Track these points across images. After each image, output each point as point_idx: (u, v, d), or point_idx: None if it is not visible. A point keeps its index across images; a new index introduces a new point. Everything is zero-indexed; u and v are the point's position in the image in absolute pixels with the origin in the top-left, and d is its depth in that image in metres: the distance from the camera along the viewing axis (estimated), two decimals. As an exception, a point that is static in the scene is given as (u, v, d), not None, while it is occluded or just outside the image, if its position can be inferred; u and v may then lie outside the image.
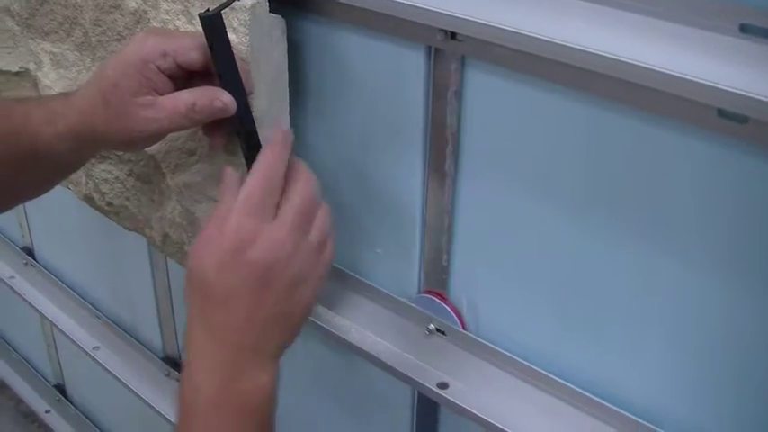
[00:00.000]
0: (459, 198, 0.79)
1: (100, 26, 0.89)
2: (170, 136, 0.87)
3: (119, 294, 1.50)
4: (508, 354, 0.80)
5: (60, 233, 1.59)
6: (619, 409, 0.73)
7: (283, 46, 0.78)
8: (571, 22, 0.61)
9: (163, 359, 1.45)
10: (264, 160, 0.70)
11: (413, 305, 0.87)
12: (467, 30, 0.65)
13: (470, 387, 0.82)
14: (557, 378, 0.77)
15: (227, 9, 0.71)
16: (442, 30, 0.69)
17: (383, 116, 0.81)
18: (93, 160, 1.00)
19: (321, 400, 1.08)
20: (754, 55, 0.54)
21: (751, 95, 0.52)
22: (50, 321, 1.63)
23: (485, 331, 0.83)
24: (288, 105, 0.81)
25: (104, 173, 1.00)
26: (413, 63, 0.75)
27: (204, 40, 0.70)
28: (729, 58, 0.54)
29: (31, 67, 1.04)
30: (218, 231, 0.68)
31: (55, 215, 1.55)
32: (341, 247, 0.77)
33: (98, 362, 1.51)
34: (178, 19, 0.80)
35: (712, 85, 0.53)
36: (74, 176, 1.06)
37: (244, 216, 0.67)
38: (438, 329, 0.84)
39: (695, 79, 0.54)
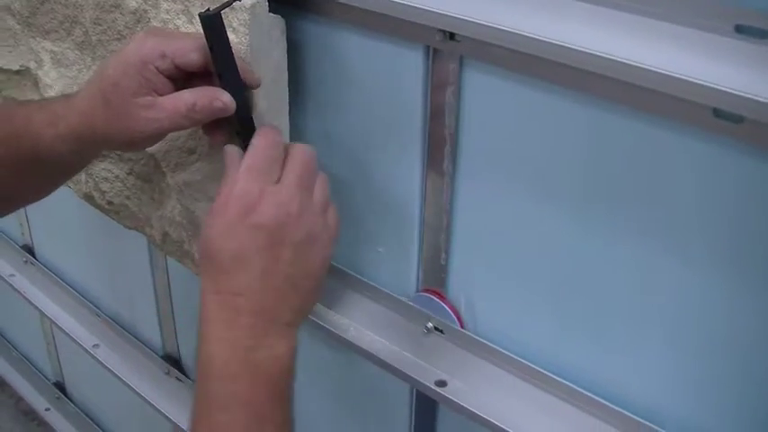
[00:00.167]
0: (457, 197, 0.79)
1: (100, 25, 0.90)
2: (170, 135, 0.87)
3: (118, 292, 1.50)
4: (506, 352, 0.80)
5: (60, 231, 1.59)
6: (619, 409, 0.73)
7: (283, 46, 0.79)
8: (569, 22, 0.61)
9: (162, 357, 1.45)
10: (263, 133, 0.73)
11: (411, 304, 0.87)
12: (465, 30, 0.65)
13: (469, 385, 0.82)
14: (556, 377, 0.77)
15: (226, 9, 0.71)
16: (440, 30, 0.69)
17: (382, 116, 0.81)
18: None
19: (320, 398, 1.09)
20: (750, 55, 0.54)
21: (746, 95, 0.52)
22: (50, 319, 1.64)
23: (483, 330, 0.84)
24: (287, 105, 0.81)
25: (104, 171, 1.00)
26: (411, 63, 0.75)
27: (203, 41, 0.71)
28: (725, 58, 0.55)
29: (32, 65, 1.04)
30: (224, 201, 0.69)
31: (55, 213, 1.55)
32: (340, 245, 0.78)
33: (98, 360, 1.51)
34: (178, 18, 0.80)
35: (708, 85, 0.53)
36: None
37: (248, 182, 0.69)
38: (436, 328, 0.85)
39: (691, 79, 0.54)
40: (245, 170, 0.70)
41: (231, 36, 0.75)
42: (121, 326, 1.50)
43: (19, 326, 2.06)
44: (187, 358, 1.43)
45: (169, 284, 1.35)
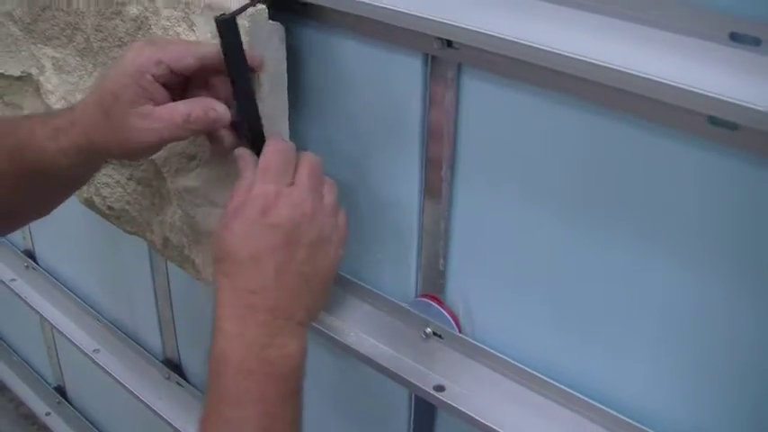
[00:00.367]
0: (455, 203, 0.80)
1: (101, 32, 0.90)
2: (170, 141, 0.88)
3: (119, 297, 1.51)
4: (504, 357, 0.81)
5: (61, 236, 1.59)
6: (615, 413, 0.73)
7: (282, 52, 0.79)
8: (565, 30, 0.61)
9: (163, 362, 1.45)
10: (275, 139, 0.75)
11: (410, 309, 0.87)
12: (463, 38, 0.66)
13: (467, 390, 0.82)
14: (553, 381, 0.77)
15: (226, 14, 0.72)
16: (438, 38, 0.69)
17: (381, 122, 0.82)
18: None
19: (319, 402, 1.09)
20: (745, 63, 0.55)
21: (741, 103, 0.52)
22: (51, 324, 1.64)
23: (481, 335, 0.84)
24: (287, 111, 0.82)
25: (105, 177, 1.01)
26: (410, 70, 0.76)
27: (199, 47, 0.72)
28: (720, 66, 0.55)
29: (34, 71, 1.05)
30: (242, 202, 0.71)
31: (56, 219, 1.53)
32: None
33: (98, 364, 1.51)
34: (179, 26, 0.81)
35: (703, 93, 0.54)
36: (75, 180, 1.06)
37: (264, 184, 0.71)
38: (435, 333, 0.85)
39: (686, 87, 0.54)
40: (262, 172, 0.72)
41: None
42: (122, 331, 1.50)
43: (20, 330, 2.06)
44: (187, 363, 1.43)
45: (169, 289, 1.35)
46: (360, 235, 0.89)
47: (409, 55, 0.75)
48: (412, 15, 0.68)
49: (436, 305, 0.86)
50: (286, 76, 0.80)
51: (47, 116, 0.80)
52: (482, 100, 0.73)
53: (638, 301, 0.70)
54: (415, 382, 0.85)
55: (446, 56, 0.72)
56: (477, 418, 0.79)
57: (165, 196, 0.93)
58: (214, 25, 0.74)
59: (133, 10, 0.84)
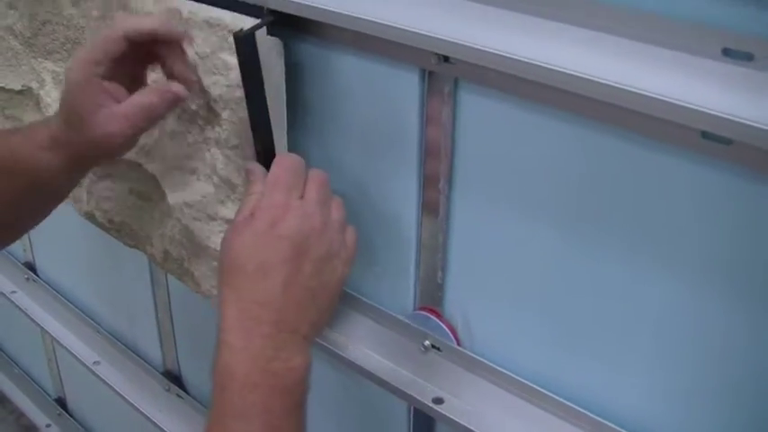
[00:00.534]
0: (453, 217, 0.80)
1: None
2: (170, 155, 0.88)
3: (119, 309, 1.51)
4: (502, 370, 0.81)
5: (62, 249, 1.59)
6: (613, 425, 0.73)
7: (281, 67, 0.80)
8: (560, 46, 0.62)
9: (163, 374, 1.45)
10: (285, 153, 0.77)
11: (408, 322, 0.87)
12: (459, 53, 0.66)
13: (465, 402, 0.82)
14: (551, 394, 0.77)
15: (244, 30, 0.73)
16: (435, 53, 0.70)
17: (379, 136, 0.82)
18: (94, 177, 1.02)
19: (318, 415, 1.09)
20: (737, 78, 0.55)
21: (734, 119, 0.52)
22: (51, 336, 1.64)
23: (479, 347, 0.84)
24: (285, 125, 0.82)
25: (106, 190, 1.01)
26: (407, 84, 0.76)
27: (118, 30, 0.74)
28: (713, 81, 0.55)
29: (34, 85, 1.05)
30: (251, 214, 0.72)
31: (57, 231, 1.55)
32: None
33: (98, 376, 1.51)
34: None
35: (696, 108, 0.54)
36: (75, 193, 1.07)
37: (274, 196, 0.72)
38: (433, 346, 0.85)
39: (679, 103, 0.54)
40: (271, 185, 0.73)
41: (230, 58, 0.76)
42: (122, 343, 1.51)
43: (20, 342, 2.07)
44: (187, 375, 1.43)
45: (170, 302, 1.35)
46: (358, 248, 0.89)
47: (406, 70, 0.75)
48: (409, 31, 0.68)
49: (435, 318, 0.86)
50: (285, 90, 0.81)
51: (27, 131, 0.82)
52: (479, 114, 0.73)
53: (634, 315, 0.70)
54: (414, 395, 0.85)
55: (443, 71, 0.72)
56: (475, 430, 0.79)
57: (164, 210, 0.93)
58: (213, 40, 0.75)
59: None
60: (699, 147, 0.58)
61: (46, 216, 0.90)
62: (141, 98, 0.75)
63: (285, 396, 0.68)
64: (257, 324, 0.68)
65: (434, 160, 0.78)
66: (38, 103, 1.06)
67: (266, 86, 0.78)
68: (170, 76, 0.78)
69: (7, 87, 1.09)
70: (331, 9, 0.73)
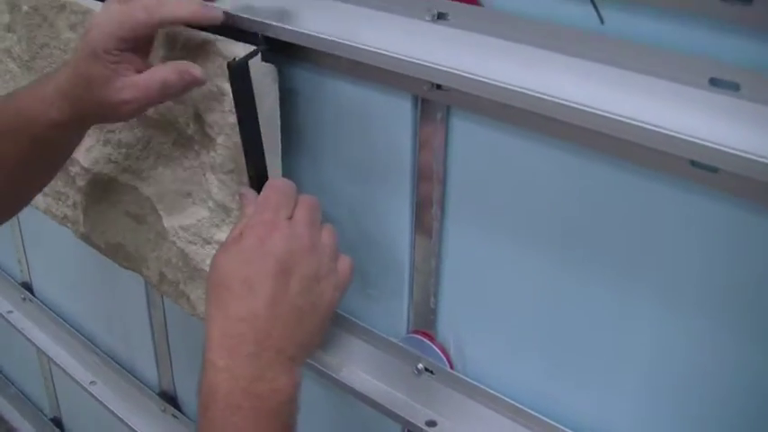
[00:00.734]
0: (445, 241, 0.81)
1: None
2: (166, 179, 0.89)
3: (115, 330, 1.51)
4: (495, 393, 0.81)
5: (59, 269, 1.60)
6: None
7: (275, 93, 0.80)
8: (551, 74, 0.62)
9: (159, 394, 1.45)
10: (276, 178, 0.78)
11: (402, 345, 0.87)
12: (451, 81, 0.67)
13: (458, 425, 0.83)
14: (543, 417, 0.77)
15: (237, 58, 0.74)
16: (427, 81, 0.70)
17: (372, 162, 0.82)
18: (90, 200, 1.02)
19: (313, 436, 1.10)
20: (724, 107, 0.55)
21: (720, 148, 0.53)
22: (47, 356, 1.64)
23: (472, 371, 0.84)
24: (279, 150, 0.83)
25: (102, 213, 1.02)
26: (400, 111, 0.77)
27: (159, 14, 0.74)
28: (700, 110, 0.56)
29: (31, 108, 1.06)
30: (239, 233, 0.72)
31: (53, 251, 1.56)
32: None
33: (94, 396, 1.51)
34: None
35: (684, 138, 0.54)
36: (72, 215, 1.07)
37: (262, 215, 0.72)
38: (426, 369, 0.85)
39: (667, 132, 0.55)
40: (261, 205, 0.73)
41: (225, 84, 0.77)
42: (118, 363, 1.50)
43: (17, 362, 2.06)
44: (183, 396, 1.44)
45: (166, 322, 1.36)
46: (353, 272, 0.90)
47: (399, 97, 0.76)
48: (401, 59, 0.69)
49: (428, 342, 0.86)
50: (279, 116, 0.82)
51: (33, 88, 0.81)
52: (471, 141, 0.74)
53: (624, 341, 0.70)
54: (408, 418, 0.85)
55: (435, 98, 0.73)
56: (468, 453, 0.80)
57: (160, 233, 0.94)
58: (209, 66, 0.76)
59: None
60: (688, 174, 0.58)
61: (50, 180, 0.91)
62: (161, 73, 0.75)
63: (271, 418, 0.67)
64: (240, 342, 0.67)
65: (427, 185, 0.79)
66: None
67: (260, 112, 0.78)
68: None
69: (5, 110, 1.09)
70: (325, 37, 0.74)
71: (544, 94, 0.61)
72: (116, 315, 1.48)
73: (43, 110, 0.78)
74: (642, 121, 0.56)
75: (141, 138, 0.92)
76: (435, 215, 0.79)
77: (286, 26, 0.77)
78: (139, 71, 0.76)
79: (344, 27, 0.74)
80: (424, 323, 0.87)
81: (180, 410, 1.42)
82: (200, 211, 0.88)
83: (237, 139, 0.79)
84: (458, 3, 0.68)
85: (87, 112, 0.78)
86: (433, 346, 0.86)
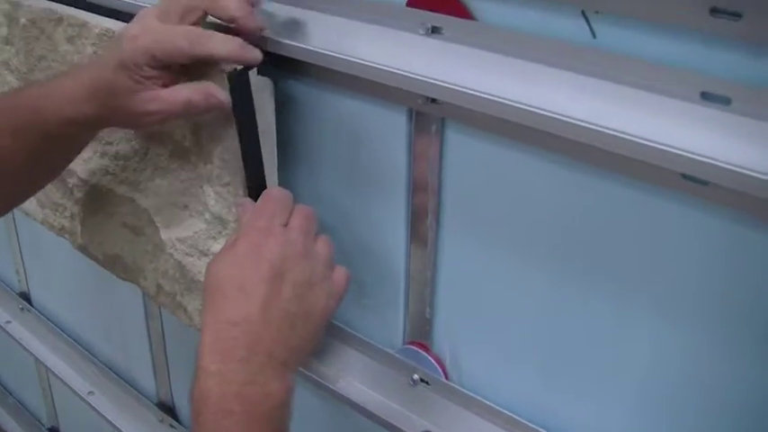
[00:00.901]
0: (441, 252, 0.81)
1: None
2: (163, 191, 0.89)
3: (113, 340, 1.51)
4: (490, 403, 0.81)
5: (56, 279, 1.60)
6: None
7: (271, 107, 0.81)
8: (543, 88, 0.63)
9: (156, 405, 1.45)
10: (272, 187, 0.78)
11: (397, 356, 0.88)
12: (445, 95, 0.67)
13: (454, 435, 0.83)
14: (539, 428, 0.78)
15: (237, 69, 0.75)
16: (422, 95, 0.71)
17: (368, 174, 0.83)
18: (88, 211, 1.02)
19: (310, 447, 1.10)
20: (715, 121, 0.55)
21: (712, 162, 0.53)
22: (45, 366, 1.64)
23: (467, 381, 0.85)
24: (276, 162, 0.83)
25: (99, 224, 1.02)
26: (395, 124, 0.77)
27: (194, 47, 0.73)
28: (692, 124, 0.56)
29: (29, 120, 1.06)
30: (234, 240, 0.73)
31: (52, 262, 1.56)
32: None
33: (92, 407, 1.52)
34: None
35: (675, 152, 0.55)
36: (70, 227, 1.08)
37: (257, 221, 0.73)
38: (422, 379, 0.85)
39: (659, 146, 0.55)
40: (257, 212, 0.74)
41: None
42: (116, 373, 1.51)
43: (15, 372, 2.06)
44: (181, 406, 1.44)
45: (163, 333, 1.36)
46: (349, 283, 0.90)
47: (394, 110, 0.77)
48: (396, 73, 0.69)
49: (423, 352, 0.87)
50: (275, 128, 0.82)
51: (47, 89, 0.80)
52: (465, 153, 0.74)
53: (619, 351, 0.71)
54: (403, 428, 0.85)
55: (430, 111, 0.73)
56: (463, 463, 0.80)
57: (157, 244, 0.94)
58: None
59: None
60: (681, 187, 0.59)
61: (56, 176, 0.92)
62: (187, 92, 0.75)
63: (263, 423, 0.67)
64: (233, 347, 0.68)
65: (422, 197, 0.79)
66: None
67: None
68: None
69: (3, 122, 1.10)
70: (321, 51, 0.74)
71: (537, 107, 0.61)
72: (114, 325, 1.48)
73: (60, 108, 0.77)
74: (634, 135, 0.57)
75: (139, 150, 0.93)
76: (431, 226, 0.80)
77: (282, 40, 0.77)
78: (165, 85, 0.75)
79: (340, 41, 0.75)
80: (420, 334, 0.87)
81: (177, 420, 1.42)
82: (197, 224, 0.88)
83: (234, 151, 0.80)
84: (452, 17, 0.68)
85: (108, 115, 0.78)
86: (429, 357, 0.86)
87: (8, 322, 1.74)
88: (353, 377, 0.92)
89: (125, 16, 0.85)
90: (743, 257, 0.60)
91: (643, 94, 0.59)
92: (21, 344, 1.68)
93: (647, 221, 0.64)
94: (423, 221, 0.80)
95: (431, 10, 0.69)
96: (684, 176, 0.58)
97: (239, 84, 0.75)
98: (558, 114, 0.60)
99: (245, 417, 0.66)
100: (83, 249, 1.08)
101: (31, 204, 1.13)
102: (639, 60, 0.59)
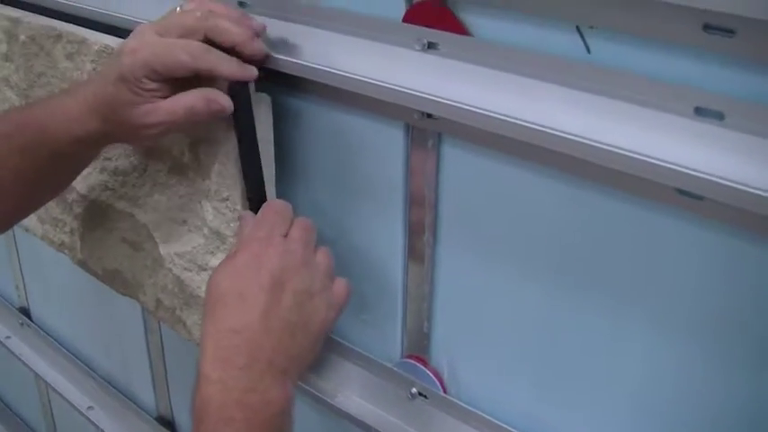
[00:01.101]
0: (438, 267, 0.81)
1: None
2: (162, 207, 0.90)
3: (113, 355, 1.51)
4: (488, 417, 0.81)
5: (56, 295, 1.60)
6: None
7: (269, 122, 0.81)
8: (539, 103, 0.63)
9: (156, 419, 1.45)
10: (273, 199, 0.79)
11: (396, 369, 0.88)
12: (440, 111, 0.67)
13: (452, 450, 0.83)
14: (535, 441, 0.78)
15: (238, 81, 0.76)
16: (418, 110, 0.71)
17: (365, 188, 0.83)
18: (87, 227, 1.03)
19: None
20: (708, 136, 0.56)
21: (705, 177, 0.54)
22: (45, 381, 1.64)
23: (465, 395, 0.85)
24: (274, 178, 0.84)
25: (99, 239, 1.03)
26: (392, 138, 0.78)
27: (197, 62, 0.73)
28: (685, 139, 0.56)
29: (29, 137, 1.07)
30: (235, 250, 0.73)
31: (51, 277, 1.56)
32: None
33: (92, 422, 1.52)
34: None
35: (669, 166, 0.55)
36: (69, 242, 1.08)
37: (257, 232, 0.74)
38: (420, 393, 0.85)
39: (653, 161, 0.56)
40: (257, 224, 0.75)
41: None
42: (115, 388, 1.51)
43: (14, 387, 2.06)
44: (180, 420, 1.44)
45: (162, 347, 1.36)
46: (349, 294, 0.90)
47: (391, 125, 0.77)
48: (392, 89, 0.70)
49: (421, 366, 0.87)
50: (273, 143, 0.83)
51: (52, 107, 0.80)
52: (462, 168, 0.75)
53: (618, 366, 0.71)
54: (402, 442, 0.86)
55: (426, 126, 0.73)
56: (461, 477, 0.80)
57: (156, 259, 0.95)
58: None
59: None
60: (676, 202, 0.59)
61: (62, 191, 0.92)
62: (188, 100, 0.75)
63: (264, 431, 0.68)
64: (233, 354, 0.68)
65: (420, 212, 0.79)
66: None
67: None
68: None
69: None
70: (318, 66, 0.75)
71: (533, 123, 0.62)
72: (113, 340, 1.48)
73: (67, 127, 0.78)
74: (628, 150, 0.57)
75: (137, 165, 0.93)
76: (428, 241, 0.80)
77: (279, 56, 0.78)
78: (164, 97, 0.75)
79: (337, 57, 0.75)
80: (418, 348, 0.87)
81: (177, 435, 1.42)
82: (196, 239, 0.88)
83: (232, 166, 0.80)
84: (448, 33, 0.68)
85: (111, 130, 0.78)
86: (427, 371, 0.86)
87: (8, 337, 1.74)
88: (352, 391, 0.92)
89: (124, 33, 0.86)
90: (738, 271, 0.61)
91: (637, 109, 0.59)
92: (20, 359, 1.68)
93: (643, 236, 0.65)
94: (420, 236, 0.80)
95: (427, 26, 0.70)
96: (679, 191, 0.58)
97: (240, 96, 0.75)
98: (554, 130, 0.61)
99: (246, 424, 0.67)
100: (82, 264, 1.09)
101: (30, 220, 1.13)
102: (634, 75, 0.59)
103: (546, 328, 0.75)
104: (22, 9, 1.04)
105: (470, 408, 0.83)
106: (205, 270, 0.88)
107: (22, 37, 1.01)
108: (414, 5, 0.71)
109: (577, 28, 0.62)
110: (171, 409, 1.43)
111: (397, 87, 0.70)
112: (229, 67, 0.74)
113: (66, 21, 0.97)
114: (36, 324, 1.71)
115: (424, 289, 0.83)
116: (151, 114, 0.75)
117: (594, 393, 0.74)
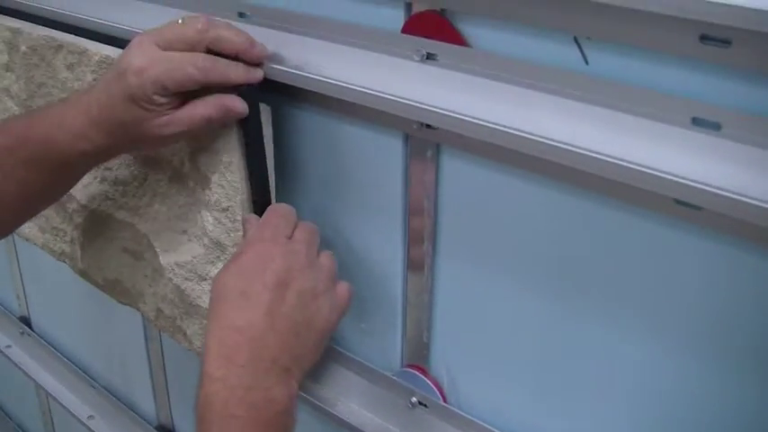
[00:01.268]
0: (437, 276, 0.81)
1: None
2: (162, 217, 0.90)
3: (113, 364, 1.51)
4: (488, 426, 0.81)
5: (57, 304, 1.60)
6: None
7: (268, 132, 0.82)
8: (537, 114, 0.63)
9: (156, 428, 1.45)
10: (278, 203, 0.79)
11: (396, 379, 0.88)
12: (439, 121, 0.68)
13: (452, 458, 0.83)
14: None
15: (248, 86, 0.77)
16: (416, 120, 0.72)
17: (364, 199, 0.84)
18: (88, 237, 1.03)
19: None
20: (705, 147, 0.56)
21: (702, 187, 0.54)
22: (45, 390, 1.64)
23: (465, 404, 0.85)
24: (273, 187, 0.84)
25: (99, 249, 1.03)
26: (392, 148, 0.78)
27: (206, 74, 0.74)
28: (683, 149, 0.57)
29: (29, 147, 1.07)
30: (240, 251, 0.74)
31: (52, 286, 1.56)
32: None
33: (92, 431, 1.52)
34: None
35: (667, 177, 0.55)
36: (70, 251, 1.08)
37: (262, 233, 0.75)
38: (420, 402, 0.86)
39: (651, 172, 0.56)
40: (261, 225, 0.76)
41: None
42: (116, 396, 1.51)
43: (15, 396, 2.06)
44: (181, 429, 1.44)
45: (163, 356, 1.36)
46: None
47: (390, 135, 0.78)
48: (391, 99, 0.70)
49: (421, 376, 0.87)
50: (272, 152, 0.83)
51: (56, 119, 0.80)
52: (461, 178, 0.75)
53: (613, 376, 0.71)
54: (402, 451, 0.86)
55: (425, 136, 0.74)
56: (462, 487, 0.80)
57: (157, 269, 0.95)
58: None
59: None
60: (674, 212, 0.60)
61: (60, 198, 0.92)
62: (204, 110, 0.75)
63: (267, 429, 0.68)
64: (237, 352, 0.69)
65: (419, 221, 0.80)
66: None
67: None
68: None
69: (3, 148, 1.10)
70: (317, 77, 0.75)
71: (531, 134, 0.62)
72: (114, 349, 1.48)
73: (72, 141, 0.78)
74: (626, 161, 0.57)
75: (137, 175, 0.94)
76: (427, 251, 0.80)
77: (279, 67, 0.78)
78: (177, 107, 0.75)
79: (336, 67, 0.75)
80: (418, 357, 0.87)
81: (177, 444, 1.42)
82: (196, 248, 0.89)
83: (231, 177, 0.81)
84: (446, 43, 0.69)
85: (121, 144, 0.78)
86: (427, 380, 0.86)
87: (8, 347, 1.74)
88: (352, 400, 0.92)
89: (124, 43, 0.86)
90: (736, 281, 0.61)
91: (635, 120, 0.60)
92: (21, 368, 1.68)
93: (642, 245, 0.65)
94: (419, 246, 0.81)
95: (426, 37, 0.70)
96: (677, 201, 0.59)
97: (250, 99, 0.77)
98: (552, 140, 0.61)
99: (250, 422, 0.67)
100: (83, 274, 1.09)
101: (31, 229, 1.14)
102: (631, 86, 0.59)
103: (546, 337, 0.75)
104: (23, 20, 1.04)
105: (470, 417, 0.83)
106: (205, 280, 0.89)
107: (23, 47, 1.01)
108: (413, 16, 0.71)
109: (575, 39, 0.62)
110: (171, 418, 1.43)
111: (396, 98, 0.70)
112: (237, 73, 0.75)
113: (66, 31, 0.98)
114: (36, 333, 1.71)
115: (424, 298, 0.83)
116: (169, 125, 0.76)
117: (594, 402, 0.74)
